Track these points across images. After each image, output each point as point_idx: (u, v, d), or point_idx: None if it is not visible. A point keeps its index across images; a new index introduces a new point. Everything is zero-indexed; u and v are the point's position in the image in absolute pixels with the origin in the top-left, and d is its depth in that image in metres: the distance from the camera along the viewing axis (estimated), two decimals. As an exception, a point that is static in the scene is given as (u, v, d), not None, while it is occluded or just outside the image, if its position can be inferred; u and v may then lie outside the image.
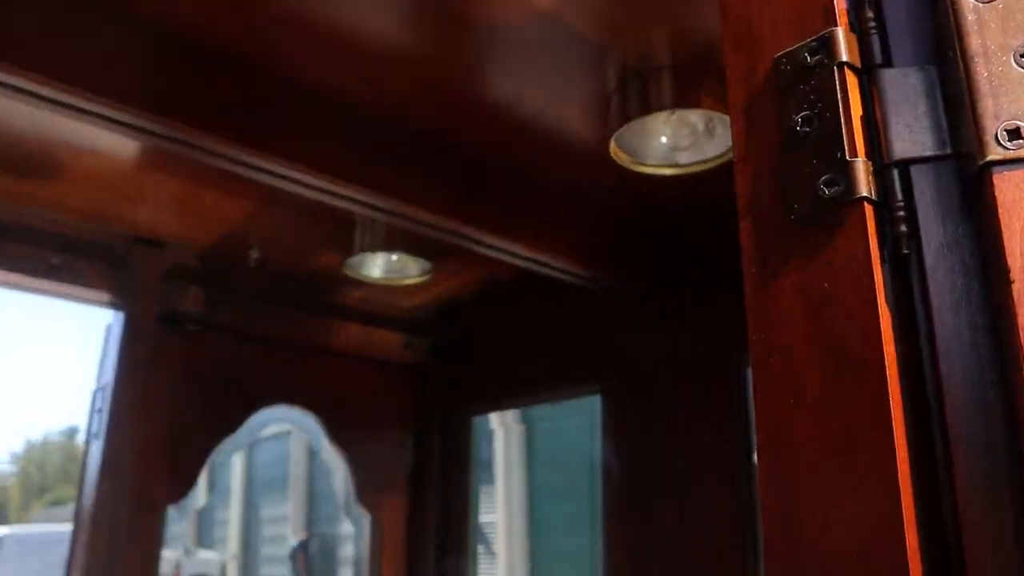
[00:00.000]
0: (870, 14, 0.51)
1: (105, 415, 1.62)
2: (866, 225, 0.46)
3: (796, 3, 0.53)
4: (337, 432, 2.11)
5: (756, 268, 0.51)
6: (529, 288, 1.87)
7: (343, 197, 1.40)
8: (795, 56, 0.51)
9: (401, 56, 1.24)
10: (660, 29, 1.21)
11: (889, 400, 0.42)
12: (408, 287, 1.90)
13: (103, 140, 1.40)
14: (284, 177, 1.35)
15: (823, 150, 0.48)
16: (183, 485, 1.76)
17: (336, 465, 2.27)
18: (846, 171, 0.47)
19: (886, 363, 0.43)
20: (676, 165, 1.32)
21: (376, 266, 1.83)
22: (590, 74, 1.27)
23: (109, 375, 1.65)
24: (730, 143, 0.57)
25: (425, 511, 2.07)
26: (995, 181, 0.42)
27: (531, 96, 1.34)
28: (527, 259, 1.48)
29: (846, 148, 0.47)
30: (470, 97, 1.35)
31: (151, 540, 1.66)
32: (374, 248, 1.74)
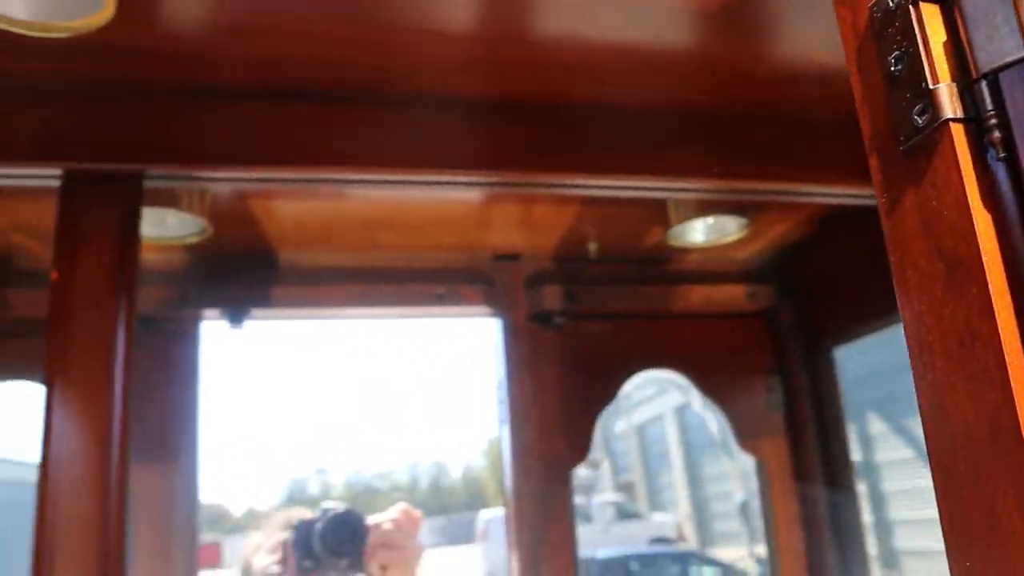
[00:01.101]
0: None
1: (506, 404, 2.02)
2: (954, 143, 0.51)
3: (878, -49, 0.58)
4: (707, 387, 2.28)
5: (884, 195, 0.58)
6: (856, 214, 1.84)
7: (646, 189, 1.59)
8: (881, 3, 0.57)
9: (685, 54, 1.39)
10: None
11: (991, 297, 0.48)
12: (733, 243, 2.00)
13: (459, 193, 1.77)
14: (597, 187, 1.59)
15: (913, 84, 0.54)
16: (582, 450, 2.10)
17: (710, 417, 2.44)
18: (931, 98, 0.52)
19: (985, 263, 0.49)
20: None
21: (697, 231, 1.96)
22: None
23: (503, 371, 2.05)
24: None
25: (804, 449, 2.13)
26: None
27: (799, 43, 1.38)
28: (825, 195, 1.49)
29: (928, 77, 0.53)
30: (745, 71, 1.44)
31: (564, 501, 2.02)
32: (689, 217, 1.88)
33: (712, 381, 2.26)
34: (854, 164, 1.58)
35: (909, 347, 0.56)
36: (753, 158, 1.50)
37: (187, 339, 1.94)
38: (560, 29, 1.31)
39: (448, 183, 1.52)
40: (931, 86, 0.52)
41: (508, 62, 1.39)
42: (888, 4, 0.56)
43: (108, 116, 1.23)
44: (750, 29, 1.35)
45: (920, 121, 0.53)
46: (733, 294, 2.23)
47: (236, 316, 1.94)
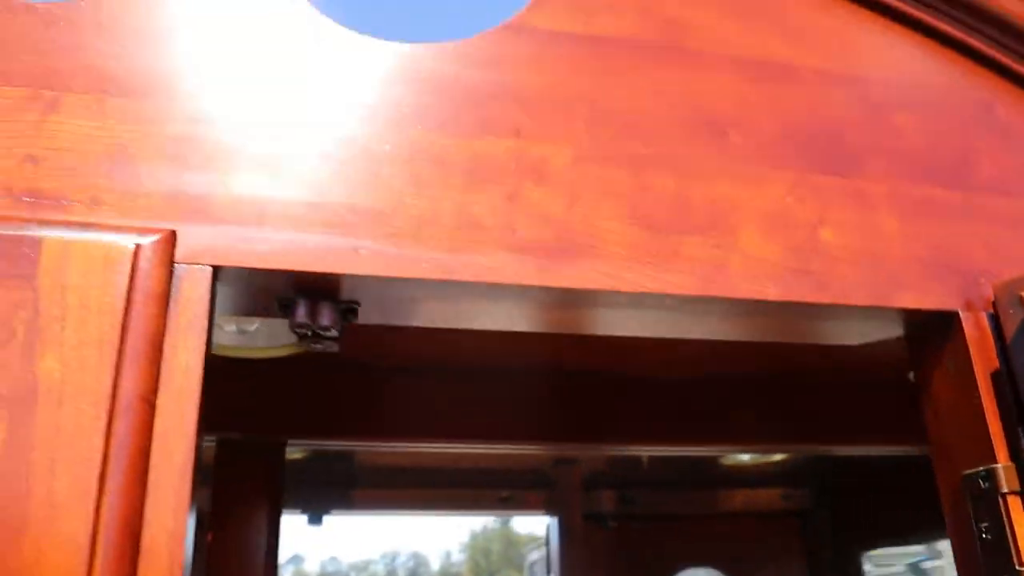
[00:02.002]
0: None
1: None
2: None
3: (971, 434, 0.77)
4: (745, 582, 2.41)
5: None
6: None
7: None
8: (973, 479, 0.76)
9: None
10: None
11: None
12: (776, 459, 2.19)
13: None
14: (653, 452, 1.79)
15: (1002, 555, 0.73)
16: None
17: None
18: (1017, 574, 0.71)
19: None
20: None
21: (744, 456, 2.15)
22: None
23: (555, 560, 2.19)
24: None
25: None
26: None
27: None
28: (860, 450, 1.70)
29: (1015, 559, 0.71)
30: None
31: None
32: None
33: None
34: (891, 422, 1.77)
35: None
36: (796, 422, 1.71)
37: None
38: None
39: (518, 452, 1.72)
40: (1017, 567, 0.71)
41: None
42: (978, 482, 0.76)
43: (252, 391, 1.42)
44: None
45: (1011, 591, 0.72)
46: (770, 495, 2.39)
47: (316, 516, 2.09)
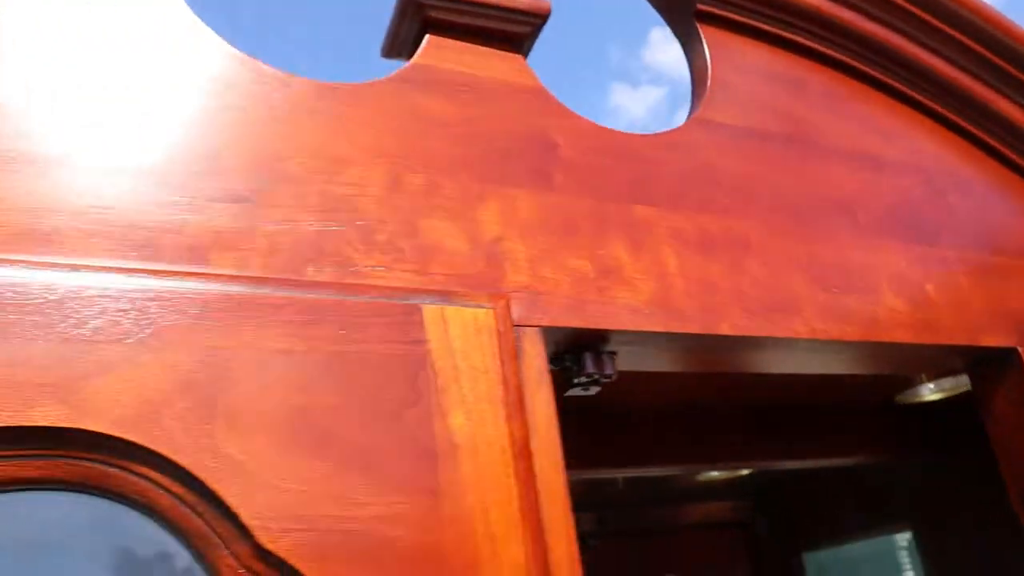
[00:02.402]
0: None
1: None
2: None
3: (1033, 442, 1.02)
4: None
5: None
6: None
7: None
8: (1042, 477, 1.00)
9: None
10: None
11: None
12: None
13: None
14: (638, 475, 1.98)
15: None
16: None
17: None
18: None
19: None
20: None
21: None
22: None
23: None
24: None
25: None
26: None
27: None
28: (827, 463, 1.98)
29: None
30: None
31: None
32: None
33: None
34: (829, 437, 2.06)
35: None
36: (766, 443, 1.96)
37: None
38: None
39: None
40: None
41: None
42: (1048, 480, 1.00)
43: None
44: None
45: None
46: (723, 508, 2.66)
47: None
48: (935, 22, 1.11)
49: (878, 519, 2.28)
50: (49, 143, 0.63)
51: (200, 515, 0.56)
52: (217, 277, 0.63)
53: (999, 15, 1.13)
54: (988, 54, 1.13)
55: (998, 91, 1.16)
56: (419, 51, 0.83)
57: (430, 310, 0.68)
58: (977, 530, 1.97)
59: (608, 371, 0.81)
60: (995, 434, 1.07)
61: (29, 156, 0.62)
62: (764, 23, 1.05)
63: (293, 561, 0.55)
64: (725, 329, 0.83)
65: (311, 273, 0.67)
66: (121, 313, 0.57)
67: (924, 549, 2.14)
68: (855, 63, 1.11)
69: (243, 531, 0.55)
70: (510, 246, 0.77)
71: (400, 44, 0.87)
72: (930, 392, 1.54)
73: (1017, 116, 1.21)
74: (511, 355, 0.70)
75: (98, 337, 0.55)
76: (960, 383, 1.59)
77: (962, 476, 2.02)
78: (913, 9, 1.10)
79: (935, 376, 1.60)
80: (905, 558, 2.25)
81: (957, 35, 1.13)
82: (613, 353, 0.83)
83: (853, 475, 2.26)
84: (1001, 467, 1.06)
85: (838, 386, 1.61)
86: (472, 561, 0.61)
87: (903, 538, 2.24)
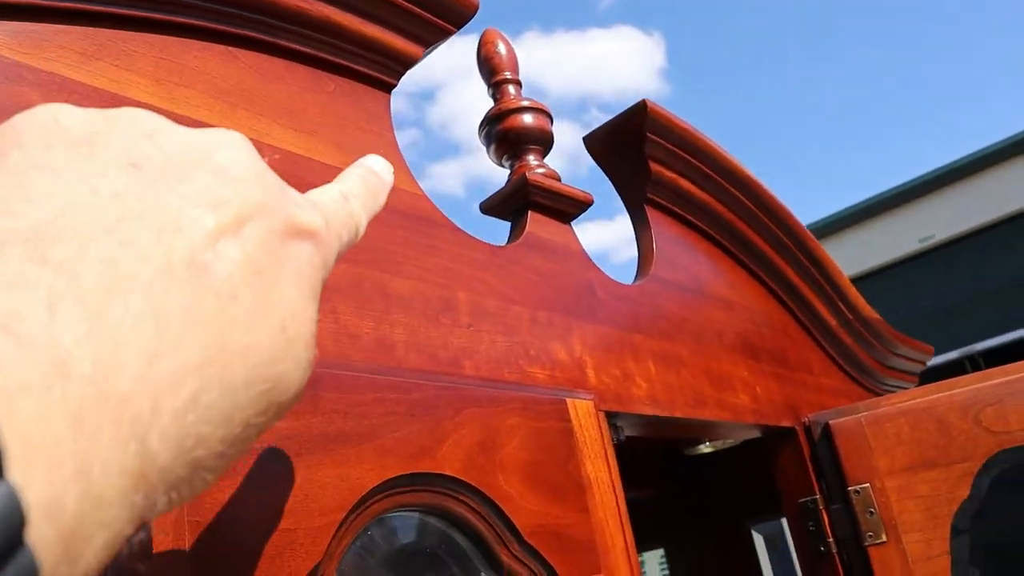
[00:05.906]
0: None
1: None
2: None
3: (800, 483, 1.72)
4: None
5: None
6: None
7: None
8: (803, 503, 1.70)
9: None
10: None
11: (856, 612, 1.61)
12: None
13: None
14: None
15: (816, 543, 1.67)
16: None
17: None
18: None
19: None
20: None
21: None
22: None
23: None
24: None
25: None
26: None
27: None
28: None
29: (825, 542, 1.66)
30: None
31: None
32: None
33: None
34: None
35: (822, 626, 1.65)
36: None
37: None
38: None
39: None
40: (821, 548, 1.66)
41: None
42: (807, 505, 1.70)
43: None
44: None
45: (825, 551, 1.67)
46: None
47: None
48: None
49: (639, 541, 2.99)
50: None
51: (484, 519, 0.97)
52: (471, 377, 1.03)
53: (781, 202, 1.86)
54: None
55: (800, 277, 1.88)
56: (527, 223, 1.28)
57: (569, 401, 1.14)
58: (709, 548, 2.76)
59: (622, 437, 1.32)
60: (779, 477, 1.75)
61: (380, 296, 0.98)
62: (686, 212, 1.65)
63: (540, 549, 0.98)
64: (679, 413, 1.39)
65: (506, 375, 1.10)
66: (458, 403, 0.96)
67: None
68: (718, 238, 1.77)
69: (514, 531, 0.97)
70: (586, 359, 1.25)
71: (501, 210, 1.32)
72: (705, 447, 2.24)
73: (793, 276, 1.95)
74: (603, 428, 1.18)
75: (454, 418, 0.95)
76: (725, 442, 2.33)
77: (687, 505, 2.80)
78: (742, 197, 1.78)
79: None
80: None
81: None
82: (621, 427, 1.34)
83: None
84: (783, 496, 1.74)
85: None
86: (604, 549, 1.08)
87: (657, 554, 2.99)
